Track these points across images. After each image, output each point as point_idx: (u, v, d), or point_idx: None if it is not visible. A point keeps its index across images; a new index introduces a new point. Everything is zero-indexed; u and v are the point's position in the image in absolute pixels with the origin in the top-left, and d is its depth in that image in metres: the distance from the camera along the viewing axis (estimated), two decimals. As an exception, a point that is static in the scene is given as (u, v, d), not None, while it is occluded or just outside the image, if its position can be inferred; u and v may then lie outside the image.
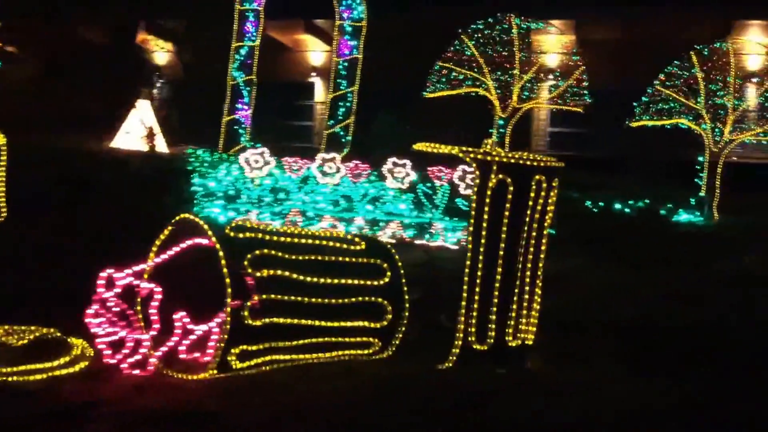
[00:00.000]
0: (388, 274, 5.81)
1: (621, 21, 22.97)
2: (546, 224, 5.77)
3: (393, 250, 5.98)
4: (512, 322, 5.72)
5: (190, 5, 20.10)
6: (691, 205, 15.57)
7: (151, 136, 15.73)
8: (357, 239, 5.89)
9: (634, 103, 15.74)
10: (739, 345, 6.61)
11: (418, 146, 5.55)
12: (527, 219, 5.56)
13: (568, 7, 23.60)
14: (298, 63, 25.39)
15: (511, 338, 5.73)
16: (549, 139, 24.97)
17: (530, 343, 5.86)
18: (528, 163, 5.46)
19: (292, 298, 5.28)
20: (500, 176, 5.37)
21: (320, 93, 25.38)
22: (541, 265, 5.83)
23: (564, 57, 16.35)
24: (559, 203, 15.48)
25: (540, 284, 5.90)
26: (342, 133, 16.10)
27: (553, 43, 16.40)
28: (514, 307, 5.70)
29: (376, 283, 5.74)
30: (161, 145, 16.55)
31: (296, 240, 5.56)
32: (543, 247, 5.80)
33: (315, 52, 25.00)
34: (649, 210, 15.73)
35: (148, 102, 17.84)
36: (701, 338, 6.79)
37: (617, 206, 15.68)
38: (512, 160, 5.40)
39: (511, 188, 5.39)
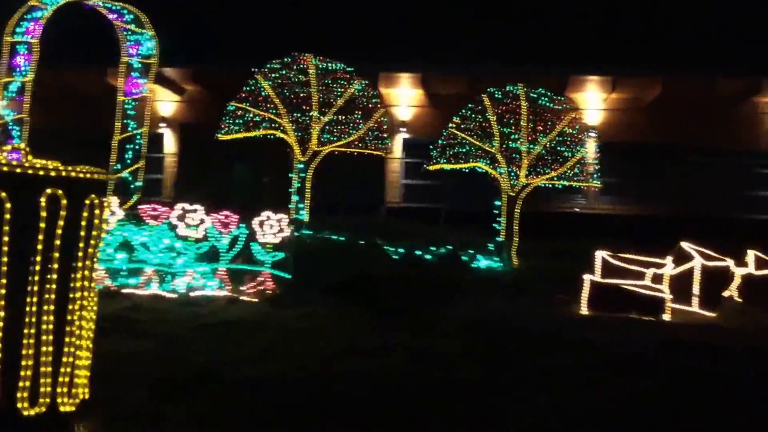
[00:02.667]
0: None
1: (466, 75, 23.00)
2: (80, 254, 4.60)
3: None
4: (26, 384, 4.46)
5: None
6: (490, 251, 15.17)
7: None
8: None
9: (430, 146, 15.39)
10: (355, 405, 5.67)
11: None
12: (38, 247, 4.37)
13: (419, 61, 23.57)
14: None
15: (27, 404, 4.47)
16: (404, 191, 24.61)
17: (68, 409, 4.65)
18: (31, 172, 4.28)
19: None
20: (-11, 190, 4.16)
21: (170, 144, 24.35)
22: (76, 306, 4.66)
23: (365, 99, 15.79)
24: (351, 249, 14.82)
25: (82, 333, 4.79)
26: (130, 178, 14.93)
27: (354, 86, 15.84)
28: (29, 363, 4.45)
29: None
30: None
31: None
32: (79, 284, 4.64)
33: (163, 102, 24.01)
34: (449, 256, 15.24)
35: None
36: (329, 396, 5.79)
37: (418, 252, 15.12)
38: (5, 168, 4.23)
39: (9, 205, 4.23)
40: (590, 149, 14.90)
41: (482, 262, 14.87)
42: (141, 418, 5.04)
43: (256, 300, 9.77)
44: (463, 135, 15.06)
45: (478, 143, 15.04)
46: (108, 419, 4.91)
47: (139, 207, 10.30)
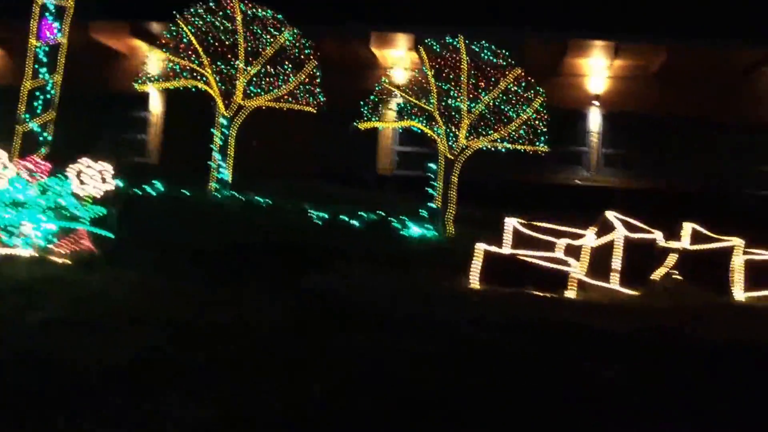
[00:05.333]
0: None
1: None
2: None
3: None
4: None
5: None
6: (423, 218, 13.66)
7: None
8: None
9: (361, 102, 13.84)
10: None
11: None
12: None
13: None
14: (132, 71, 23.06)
15: None
16: (397, 158, 22.83)
17: None
18: None
19: None
20: None
21: (156, 104, 23.01)
22: None
23: (297, 50, 14.31)
24: (265, 213, 13.47)
25: None
26: (39, 130, 13.79)
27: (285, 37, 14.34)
28: None
29: None
30: None
31: None
32: None
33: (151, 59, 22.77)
34: (379, 223, 13.81)
35: None
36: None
37: (344, 218, 13.71)
38: None
39: None
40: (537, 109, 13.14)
41: (414, 230, 13.39)
42: None
43: (69, 262, 8.41)
44: (397, 90, 13.50)
45: (413, 100, 13.48)
46: None
47: None
